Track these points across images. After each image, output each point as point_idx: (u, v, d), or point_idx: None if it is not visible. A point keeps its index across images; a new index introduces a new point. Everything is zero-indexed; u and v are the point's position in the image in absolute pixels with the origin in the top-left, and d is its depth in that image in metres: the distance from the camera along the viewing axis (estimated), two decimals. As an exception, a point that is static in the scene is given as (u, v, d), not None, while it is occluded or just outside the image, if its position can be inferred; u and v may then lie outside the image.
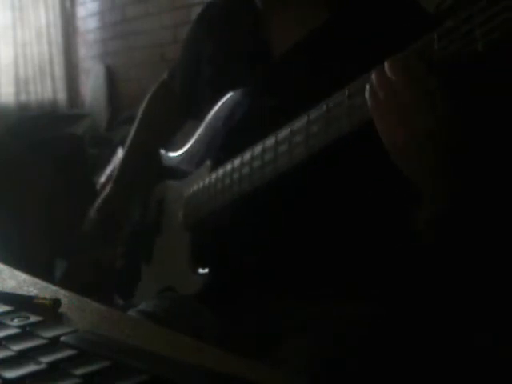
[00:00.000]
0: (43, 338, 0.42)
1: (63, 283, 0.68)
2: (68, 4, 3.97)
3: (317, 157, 0.77)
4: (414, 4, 0.90)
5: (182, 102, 1.18)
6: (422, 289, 0.92)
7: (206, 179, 0.97)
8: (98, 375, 0.37)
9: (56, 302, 0.53)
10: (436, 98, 0.64)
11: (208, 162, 0.99)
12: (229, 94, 0.97)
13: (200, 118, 1.05)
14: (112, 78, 3.59)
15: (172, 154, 1.16)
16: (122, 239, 1.24)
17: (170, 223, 1.10)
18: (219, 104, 0.99)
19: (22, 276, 0.65)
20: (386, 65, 0.67)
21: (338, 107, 0.73)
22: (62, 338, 0.42)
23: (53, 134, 3.12)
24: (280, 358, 0.82)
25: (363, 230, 0.89)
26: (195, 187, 1.01)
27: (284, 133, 0.81)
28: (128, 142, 1.25)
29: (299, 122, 0.79)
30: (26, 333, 0.44)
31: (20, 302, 0.51)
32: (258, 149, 0.85)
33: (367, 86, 0.69)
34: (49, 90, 3.92)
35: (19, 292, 0.59)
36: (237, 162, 0.89)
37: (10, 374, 0.37)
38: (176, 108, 1.22)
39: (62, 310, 0.53)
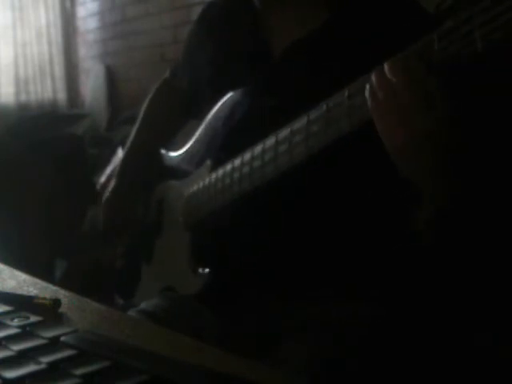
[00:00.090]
0: (43, 337, 0.42)
1: (63, 283, 0.68)
2: (68, 4, 3.97)
3: (317, 157, 0.78)
4: (413, 4, 0.90)
5: (183, 101, 1.18)
6: (421, 289, 0.92)
7: (206, 179, 0.97)
8: (98, 375, 0.37)
9: (56, 302, 0.53)
10: (436, 99, 0.64)
11: (208, 162, 0.99)
12: (229, 94, 0.97)
13: (200, 117, 1.05)
14: (112, 78, 3.59)
15: (172, 154, 1.16)
16: (122, 239, 1.24)
17: (170, 223, 1.10)
18: (219, 104, 0.99)
19: (22, 276, 0.65)
20: (385, 66, 0.67)
21: (337, 107, 0.73)
22: (62, 338, 0.42)
23: (53, 134, 3.12)
24: (280, 358, 0.82)
25: (363, 230, 0.89)
26: (195, 187, 1.01)
27: (284, 133, 0.81)
28: (129, 141, 1.25)
29: (299, 122, 0.79)
30: (25, 333, 0.44)
31: (20, 302, 0.51)
32: (258, 149, 0.85)
33: (367, 87, 0.69)
34: (49, 90, 3.91)
35: (19, 292, 0.59)
36: (237, 161, 0.89)
37: (10, 373, 0.37)
38: (178, 107, 1.22)
39: (62, 310, 0.53)
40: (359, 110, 0.70)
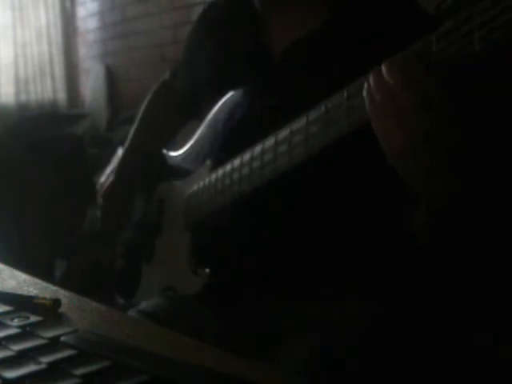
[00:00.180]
0: (43, 337, 0.42)
1: (63, 283, 0.68)
2: (68, 4, 3.97)
3: (316, 157, 0.77)
4: (413, 4, 0.90)
5: (182, 101, 1.18)
6: (421, 289, 0.92)
7: (206, 179, 0.97)
8: (98, 375, 0.37)
9: (56, 302, 0.53)
10: (434, 100, 0.64)
11: (208, 162, 0.99)
12: (229, 94, 0.97)
13: (200, 118, 1.05)
14: (112, 78, 3.59)
15: (172, 154, 1.16)
16: (122, 239, 1.24)
17: (170, 223, 1.11)
18: (219, 104, 0.99)
19: (22, 276, 0.65)
20: (383, 67, 0.67)
21: (336, 108, 0.73)
22: (62, 338, 0.42)
23: (53, 134, 3.12)
24: (280, 358, 0.82)
25: (362, 230, 0.89)
26: (195, 187, 1.01)
27: (284, 133, 0.81)
28: (128, 141, 1.25)
29: (298, 123, 0.79)
30: (26, 333, 0.44)
31: (20, 302, 0.51)
32: (257, 149, 0.85)
33: (364, 87, 0.69)
34: (49, 90, 3.91)
35: (19, 292, 0.59)
36: (237, 162, 0.89)
37: (10, 373, 0.37)
38: (177, 108, 1.22)
39: (62, 309, 0.53)
40: (358, 111, 0.70)
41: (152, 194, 1.18)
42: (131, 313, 0.97)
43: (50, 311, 0.52)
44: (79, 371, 0.37)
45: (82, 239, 2.44)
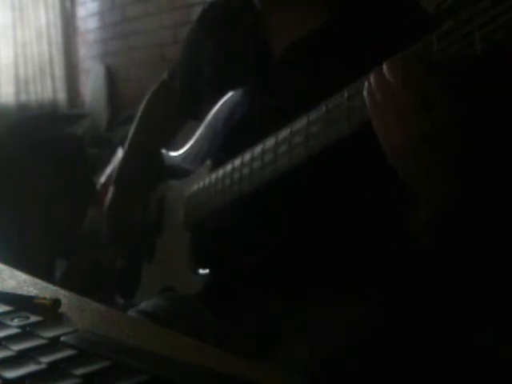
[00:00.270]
0: (43, 337, 0.42)
1: (63, 283, 0.68)
2: (68, 4, 3.97)
3: (316, 158, 0.77)
4: (413, 4, 0.90)
5: (182, 102, 1.18)
6: (420, 289, 0.92)
7: (206, 179, 0.97)
8: (98, 375, 0.37)
9: (56, 302, 0.53)
10: (435, 100, 0.64)
11: (208, 162, 0.99)
12: (229, 94, 0.97)
13: (200, 118, 1.05)
14: (112, 78, 3.59)
15: (172, 154, 1.16)
16: (122, 239, 1.24)
17: (170, 223, 1.11)
18: (219, 104, 0.99)
19: (22, 276, 0.65)
20: (384, 66, 0.67)
21: (337, 109, 0.73)
22: (62, 338, 0.42)
23: (53, 134, 3.12)
24: (280, 357, 0.82)
25: (362, 230, 0.89)
26: (195, 187, 1.01)
27: (284, 134, 0.81)
28: (127, 141, 1.25)
29: (299, 123, 0.79)
30: (26, 333, 0.44)
31: (20, 302, 0.51)
32: (257, 149, 0.85)
33: (365, 87, 0.69)
34: (49, 90, 3.91)
35: (19, 292, 0.59)
36: (237, 162, 0.89)
37: (10, 373, 0.37)
38: (176, 108, 1.22)
39: (62, 310, 0.53)
40: (359, 111, 0.70)
41: (152, 193, 1.18)
42: (131, 313, 0.97)
43: (50, 311, 0.52)
44: (79, 371, 0.37)
45: (82, 239, 2.44)
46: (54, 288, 0.61)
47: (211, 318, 0.95)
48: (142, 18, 3.31)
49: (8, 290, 0.59)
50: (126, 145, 1.25)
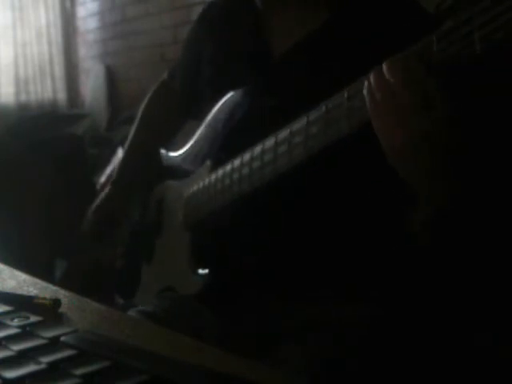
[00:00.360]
0: (43, 337, 0.42)
1: (63, 283, 0.68)
2: (68, 4, 3.97)
3: (316, 158, 0.77)
4: (413, 4, 0.90)
5: (182, 101, 1.18)
6: (420, 289, 0.92)
7: (205, 179, 0.97)
8: (98, 375, 0.37)
9: (56, 302, 0.53)
10: (434, 100, 0.64)
11: (208, 162, 0.99)
12: (229, 94, 0.97)
13: (200, 118, 1.05)
14: (112, 78, 3.58)
15: (172, 154, 1.16)
16: (122, 239, 1.24)
17: (170, 223, 1.10)
18: (219, 104, 0.99)
19: (22, 276, 0.65)
20: (384, 66, 0.67)
21: (337, 109, 0.73)
22: (62, 338, 0.42)
23: (53, 134, 3.12)
24: (280, 357, 0.82)
25: (362, 230, 0.89)
26: (195, 187, 1.01)
27: (283, 134, 0.81)
28: (128, 141, 1.25)
29: (298, 123, 0.79)
30: (26, 333, 0.44)
31: (20, 302, 0.51)
32: (257, 149, 0.85)
33: (365, 86, 0.69)
34: (49, 89, 3.91)
35: (19, 292, 0.59)
36: (236, 162, 0.89)
37: (10, 373, 0.37)
38: (176, 108, 1.22)
39: (62, 310, 0.53)
40: (358, 111, 0.70)
41: (152, 193, 1.18)
42: (131, 313, 0.97)
43: (50, 311, 0.52)
44: (79, 371, 0.37)
45: (82, 239, 2.43)
46: (54, 288, 0.61)
47: (211, 318, 0.95)
48: (142, 17, 3.31)
49: (8, 290, 0.59)
50: (127, 145, 1.25)
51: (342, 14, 0.92)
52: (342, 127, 0.72)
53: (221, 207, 0.93)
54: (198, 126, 1.06)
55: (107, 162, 2.67)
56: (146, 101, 1.27)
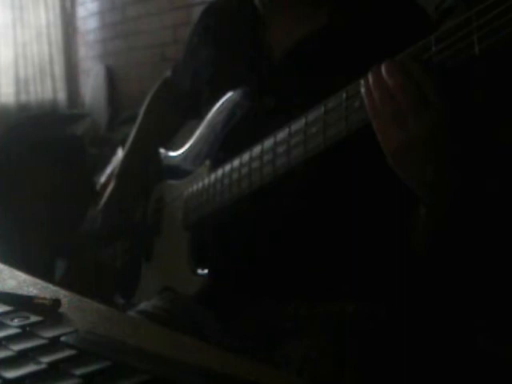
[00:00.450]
0: (43, 338, 0.42)
1: (63, 283, 0.68)
2: (68, 4, 3.97)
3: (315, 158, 0.77)
4: (413, 5, 0.90)
5: (182, 101, 1.18)
6: (422, 290, 0.92)
7: (205, 179, 0.97)
8: (98, 375, 0.37)
9: (56, 302, 0.53)
10: (433, 102, 0.64)
11: (207, 162, 0.99)
12: (229, 94, 0.97)
13: (200, 117, 1.05)
14: (112, 78, 3.58)
15: (172, 154, 1.16)
16: (122, 238, 1.24)
17: (169, 223, 1.10)
18: (219, 104, 0.99)
19: (22, 276, 0.65)
20: (382, 66, 0.67)
21: (335, 109, 0.73)
22: (62, 338, 0.42)
23: (53, 134, 3.12)
24: (280, 357, 0.82)
25: (362, 231, 0.89)
26: (194, 187, 1.01)
27: (282, 134, 0.81)
28: (129, 139, 1.25)
29: (297, 124, 0.79)
30: (25, 333, 0.44)
31: (20, 302, 0.51)
32: (256, 150, 0.85)
33: (363, 85, 0.69)
34: (49, 89, 3.91)
35: (19, 292, 0.59)
36: (236, 162, 0.89)
37: (10, 374, 0.37)
38: (177, 107, 1.22)
39: (61, 309, 0.53)
40: (357, 112, 0.70)
41: (151, 193, 1.18)
42: (131, 313, 0.97)
43: (49, 311, 0.52)
44: (79, 371, 0.37)
45: (82, 239, 2.43)
46: (54, 288, 0.61)
47: (211, 318, 0.95)
48: (142, 18, 3.31)
49: (8, 290, 0.59)
50: (128, 143, 1.25)
51: (342, 14, 0.92)
52: (341, 128, 0.72)
53: (220, 207, 0.93)
54: (197, 126, 1.06)
55: (107, 162, 2.67)
56: (147, 98, 1.27)
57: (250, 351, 0.84)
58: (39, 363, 0.38)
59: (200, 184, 0.99)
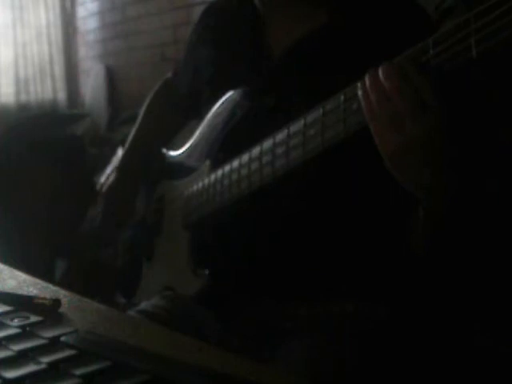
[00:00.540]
0: (43, 338, 0.42)
1: (63, 283, 0.68)
2: (68, 4, 3.97)
3: (314, 160, 0.77)
4: (413, 5, 0.90)
5: (183, 101, 1.18)
6: (422, 290, 0.92)
7: (205, 179, 0.97)
8: (98, 375, 0.37)
9: (56, 302, 0.53)
10: (430, 105, 0.64)
11: (207, 162, 0.99)
12: (228, 94, 0.97)
13: (200, 117, 1.05)
14: (112, 78, 3.58)
15: (172, 153, 1.16)
16: (123, 238, 1.24)
17: (169, 222, 1.10)
18: (219, 104, 0.99)
19: (22, 276, 0.65)
20: (379, 69, 0.67)
21: (334, 111, 0.73)
22: (62, 338, 0.42)
23: (53, 134, 3.12)
24: (280, 357, 0.82)
25: (361, 231, 0.89)
26: (195, 187, 1.01)
27: (281, 135, 0.81)
28: (129, 139, 1.25)
29: (296, 126, 0.79)
30: (25, 333, 0.44)
31: (20, 302, 0.51)
32: (256, 151, 0.85)
33: (359, 87, 0.69)
34: (49, 89, 3.91)
35: (19, 292, 0.59)
36: (235, 163, 0.89)
37: (10, 374, 0.37)
38: (178, 107, 1.22)
39: (61, 310, 0.53)
40: (355, 114, 0.70)
41: (152, 193, 1.18)
42: (131, 313, 0.97)
43: (49, 311, 0.52)
44: (79, 371, 0.37)
45: (82, 239, 2.43)
46: (54, 288, 0.61)
47: (211, 318, 0.95)
48: (142, 17, 3.31)
49: (8, 290, 0.59)
50: (128, 143, 1.25)
51: (342, 13, 0.91)
52: (339, 130, 0.72)
53: (220, 207, 0.93)
54: (197, 126, 1.06)
55: (107, 162, 2.67)
56: (148, 98, 1.27)
57: (250, 351, 0.84)
58: (39, 363, 0.38)
59: (200, 184, 0.99)
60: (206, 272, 0.96)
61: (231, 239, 0.95)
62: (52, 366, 0.38)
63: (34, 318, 0.46)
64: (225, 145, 0.97)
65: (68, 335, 0.43)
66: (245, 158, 0.87)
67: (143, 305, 1.01)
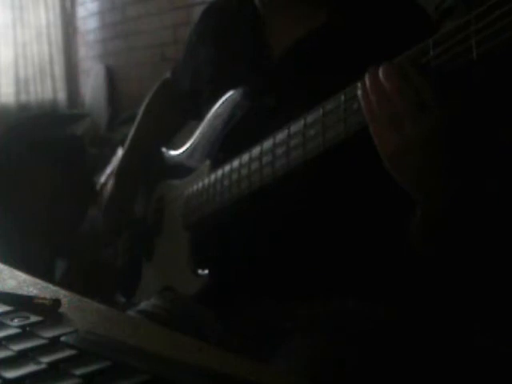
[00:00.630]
0: (43, 338, 0.42)
1: (63, 283, 0.68)
2: (68, 4, 3.97)
3: (314, 160, 0.77)
4: (413, 5, 0.90)
5: (183, 101, 1.18)
6: (422, 290, 0.92)
7: (205, 179, 0.97)
8: (98, 375, 0.37)
9: (56, 302, 0.53)
10: (430, 105, 0.64)
11: (207, 162, 0.99)
12: (228, 94, 0.97)
13: (200, 117, 1.05)
14: (112, 78, 3.58)
15: (172, 153, 1.16)
16: (123, 238, 1.24)
17: (169, 222, 1.11)
18: (219, 104, 0.99)
19: (22, 276, 0.65)
20: (379, 69, 0.67)
21: (334, 111, 0.73)
22: (62, 338, 0.42)
23: (53, 134, 3.12)
24: (280, 357, 0.82)
25: (361, 230, 0.89)
26: (195, 187, 1.01)
27: (281, 135, 0.81)
28: (128, 139, 1.25)
29: (296, 126, 0.79)
30: (26, 333, 0.44)
31: (20, 302, 0.51)
32: (256, 151, 0.85)
33: (359, 87, 0.69)
34: (49, 89, 3.91)
35: (19, 292, 0.59)
36: (235, 163, 0.89)
37: (10, 374, 0.37)
38: (177, 107, 1.22)
39: (61, 310, 0.53)
40: (355, 114, 0.70)
41: (152, 193, 1.18)
42: (131, 313, 0.97)
43: (49, 311, 0.52)
44: (79, 371, 0.37)
45: (82, 239, 2.44)
46: (54, 288, 0.61)
47: (211, 318, 0.95)
48: (142, 17, 3.31)
49: (8, 290, 0.59)
50: (127, 143, 1.25)
51: (342, 14, 0.91)
52: (340, 130, 0.72)
53: (220, 207, 0.93)
54: (197, 126, 1.06)
55: (107, 162, 2.67)
56: (147, 98, 1.27)
57: (250, 351, 0.84)
58: (39, 363, 0.38)
59: (200, 184, 0.99)
60: (206, 272, 0.96)
61: (231, 239, 0.95)
62: (52, 366, 0.38)
63: (33, 318, 0.46)
64: (225, 145, 0.97)
65: (68, 335, 0.43)
66: (245, 158, 0.87)
67: (143, 305, 1.01)
